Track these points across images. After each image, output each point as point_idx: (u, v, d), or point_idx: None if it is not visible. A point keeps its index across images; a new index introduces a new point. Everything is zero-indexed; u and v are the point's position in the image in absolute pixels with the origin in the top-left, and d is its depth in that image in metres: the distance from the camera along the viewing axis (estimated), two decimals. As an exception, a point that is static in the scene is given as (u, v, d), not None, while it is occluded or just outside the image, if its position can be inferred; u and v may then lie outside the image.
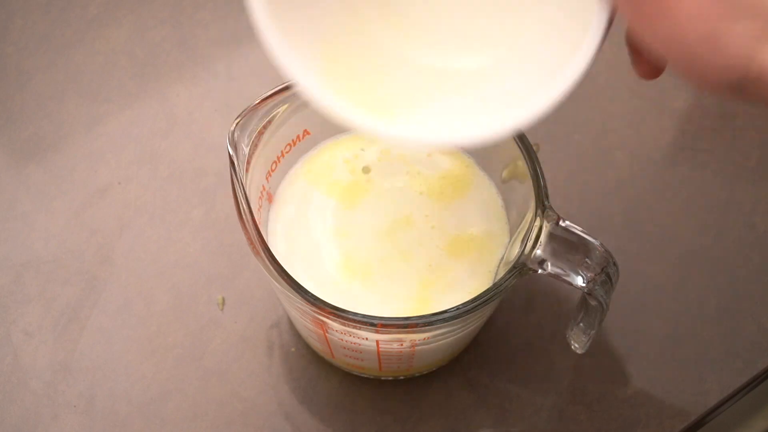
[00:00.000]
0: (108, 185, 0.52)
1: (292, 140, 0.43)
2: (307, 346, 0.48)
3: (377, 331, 0.37)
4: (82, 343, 0.48)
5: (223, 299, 0.49)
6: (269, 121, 0.39)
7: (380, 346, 0.39)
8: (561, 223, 0.37)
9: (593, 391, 0.47)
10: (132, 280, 0.49)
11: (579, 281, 0.37)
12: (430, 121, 0.32)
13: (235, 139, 0.37)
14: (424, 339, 0.39)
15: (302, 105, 0.40)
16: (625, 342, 0.48)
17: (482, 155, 0.44)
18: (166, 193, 0.52)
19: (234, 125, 0.37)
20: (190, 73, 0.56)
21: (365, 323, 0.36)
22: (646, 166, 0.53)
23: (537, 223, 0.37)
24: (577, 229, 0.37)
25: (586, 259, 0.37)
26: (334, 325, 0.37)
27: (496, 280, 0.39)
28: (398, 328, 0.36)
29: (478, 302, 0.36)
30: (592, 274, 0.37)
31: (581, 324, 0.43)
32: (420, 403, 0.46)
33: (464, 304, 0.36)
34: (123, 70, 0.56)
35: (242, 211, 0.37)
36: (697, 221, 0.52)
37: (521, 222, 0.40)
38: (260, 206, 0.42)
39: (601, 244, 0.37)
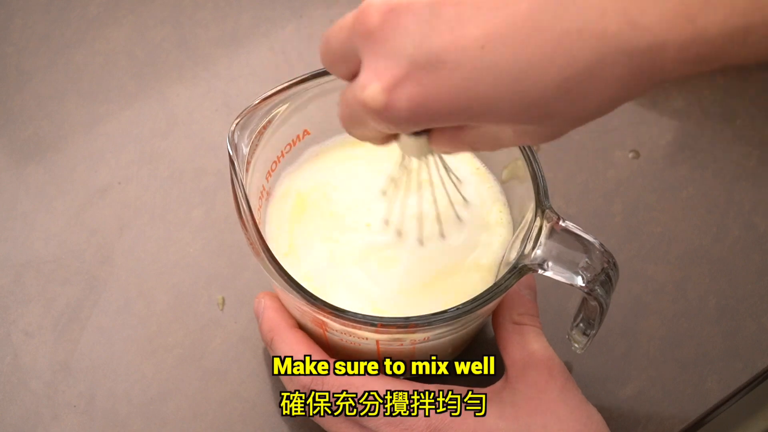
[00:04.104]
0: (108, 185, 0.52)
1: (292, 140, 0.43)
2: (307, 346, 0.48)
3: (377, 331, 0.37)
4: (82, 343, 0.48)
5: (223, 299, 0.49)
6: (269, 121, 0.39)
7: (380, 345, 0.39)
8: (561, 223, 0.37)
9: (593, 391, 0.47)
10: (132, 280, 0.49)
11: (579, 281, 0.37)
12: None
13: (235, 139, 0.37)
14: (424, 339, 0.39)
15: (302, 105, 0.40)
16: (625, 342, 0.48)
17: (482, 155, 0.44)
18: (166, 193, 0.52)
19: (234, 125, 0.37)
20: (190, 73, 0.56)
21: (365, 323, 0.36)
22: (646, 166, 0.53)
23: (537, 223, 0.37)
24: (577, 229, 0.37)
25: (586, 259, 0.37)
26: (334, 325, 0.37)
27: (496, 280, 0.39)
28: (398, 328, 0.36)
29: (478, 302, 0.36)
30: (592, 274, 0.37)
31: (581, 324, 0.43)
32: (420, 403, 0.46)
33: (464, 304, 0.36)
34: (123, 70, 0.56)
35: (242, 211, 0.37)
36: (697, 221, 0.52)
37: (521, 222, 0.40)
38: (260, 206, 0.42)
39: (601, 244, 0.37)
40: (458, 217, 0.42)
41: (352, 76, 0.31)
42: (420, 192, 0.41)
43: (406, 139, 0.34)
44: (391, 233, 0.42)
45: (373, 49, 0.29)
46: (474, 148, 0.33)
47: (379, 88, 0.28)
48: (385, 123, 0.29)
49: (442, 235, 0.42)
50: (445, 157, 0.39)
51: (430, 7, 0.27)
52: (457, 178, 0.42)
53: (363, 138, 0.34)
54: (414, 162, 0.39)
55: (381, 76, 0.28)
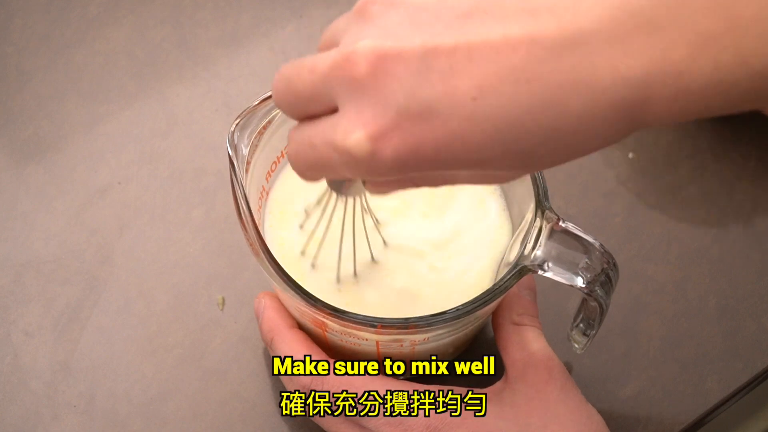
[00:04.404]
0: (108, 185, 0.52)
1: (292, 140, 0.43)
2: (307, 346, 0.47)
3: (377, 332, 0.37)
4: (82, 343, 0.48)
5: (223, 299, 0.49)
6: (269, 122, 0.39)
7: (380, 346, 0.39)
8: (561, 223, 0.37)
9: (593, 391, 0.47)
10: (132, 280, 0.49)
11: (579, 282, 0.37)
12: None
13: (235, 139, 0.37)
14: (424, 339, 0.39)
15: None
16: (625, 342, 0.48)
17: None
18: (166, 193, 0.52)
19: (234, 126, 0.37)
20: (190, 73, 0.56)
21: (365, 324, 0.36)
22: (646, 166, 0.53)
23: (537, 223, 0.37)
24: (577, 230, 0.37)
25: (586, 260, 0.37)
26: (333, 325, 0.37)
27: (496, 281, 0.39)
28: (398, 329, 0.36)
29: (478, 303, 0.36)
30: (592, 275, 0.37)
31: (581, 324, 0.43)
32: (420, 403, 0.46)
33: (464, 305, 0.36)
34: (123, 70, 0.56)
35: (242, 211, 0.37)
36: (697, 221, 0.52)
37: (521, 222, 0.40)
38: (260, 206, 0.42)
39: (601, 244, 0.37)
40: (373, 258, 0.42)
41: (310, 117, 0.30)
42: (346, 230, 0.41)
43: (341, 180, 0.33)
44: (400, 243, 0.41)
45: (360, 97, 0.28)
46: (417, 185, 0.32)
47: (364, 137, 0.27)
48: (366, 172, 0.28)
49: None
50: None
51: (422, 57, 0.27)
52: (377, 219, 0.42)
53: (310, 179, 0.32)
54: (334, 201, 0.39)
55: (367, 124, 0.27)
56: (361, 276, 0.41)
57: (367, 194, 0.38)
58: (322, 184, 0.36)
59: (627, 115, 0.27)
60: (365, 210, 0.40)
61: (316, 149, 0.30)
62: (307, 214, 0.42)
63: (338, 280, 0.41)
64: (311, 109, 0.30)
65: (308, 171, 0.31)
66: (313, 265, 0.41)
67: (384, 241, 0.42)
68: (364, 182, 0.33)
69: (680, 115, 0.27)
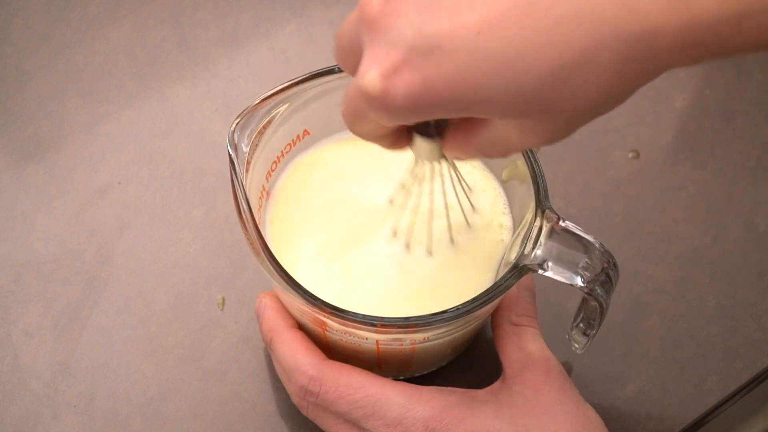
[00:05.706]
0: (108, 185, 0.52)
1: (292, 140, 0.43)
2: (307, 346, 0.47)
3: (377, 331, 0.37)
4: (82, 343, 0.48)
5: (223, 299, 0.49)
6: (269, 121, 0.39)
7: (380, 345, 0.39)
8: (561, 223, 0.37)
9: (593, 391, 0.47)
10: (132, 280, 0.49)
11: (579, 281, 0.37)
12: None
13: (235, 139, 0.37)
14: (424, 339, 0.39)
15: (302, 105, 0.40)
16: (625, 342, 0.48)
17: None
18: (166, 193, 0.52)
19: (234, 125, 0.37)
20: (190, 73, 0.56)
21: (365, 323, 0.36)
22: (646, 166, 0.53)
23: (537, 223, 0.37)
24: (577, 229, 0.37)
25: (586, 260, 0.37)
26: (333, 325, 0.37)
27: (496, 280, 0.39)
28: (398, 328, 0.36)
29: (478, 302, 0.36)
30: (592, 275, 0.37)
31: (581, 324, 0.43)
32: (420, 403, 0.46)
33: (464, 304, 0.36)
34: (123, 70, 0.56)
35: (242, 211, 0.37)
36: (697, 221, 0.52)
37: (521, 222, 0.40)
38: (260, 206, 0.42)
39: (601, 244, 0.37)
40: (468, 224, 0.42)
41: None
42: (431, 199, 0.41)
43: (419, 143, 0.34)
44: (400, 244, 0.41)
45: (374, 36, 0.28)
46: (484, 153, 0.32)
47: (377, 74, 0.28)
48: (384, 112, 0.29)
49: (451, 243, 0.41)
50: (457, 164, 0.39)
51: None
52: (468, 186, 0.42)
53: (368, 136, 0.33)
54: (426, 170, 0.39)
55: (380, 62, 0.28)
56: (371, 270, 0.41)
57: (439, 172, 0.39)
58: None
59: (635, 50, 0.26)
60: (451, 179, 0.40)
61: (350, 98, 0.31)
62: (402, 186, 0.42)
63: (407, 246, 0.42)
64: (355, 61, 0.30)
65: (352, 123, 0.32)
66: (407, 244, 0.42)
67: (473, 207, 0.42)
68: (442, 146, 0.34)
69: (692, 49, 0.26)
